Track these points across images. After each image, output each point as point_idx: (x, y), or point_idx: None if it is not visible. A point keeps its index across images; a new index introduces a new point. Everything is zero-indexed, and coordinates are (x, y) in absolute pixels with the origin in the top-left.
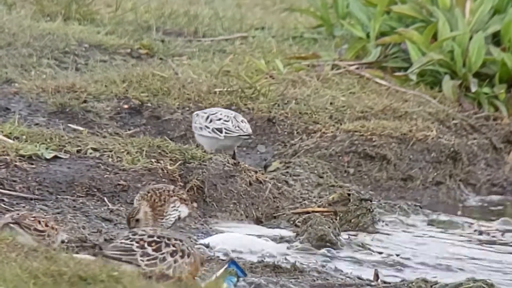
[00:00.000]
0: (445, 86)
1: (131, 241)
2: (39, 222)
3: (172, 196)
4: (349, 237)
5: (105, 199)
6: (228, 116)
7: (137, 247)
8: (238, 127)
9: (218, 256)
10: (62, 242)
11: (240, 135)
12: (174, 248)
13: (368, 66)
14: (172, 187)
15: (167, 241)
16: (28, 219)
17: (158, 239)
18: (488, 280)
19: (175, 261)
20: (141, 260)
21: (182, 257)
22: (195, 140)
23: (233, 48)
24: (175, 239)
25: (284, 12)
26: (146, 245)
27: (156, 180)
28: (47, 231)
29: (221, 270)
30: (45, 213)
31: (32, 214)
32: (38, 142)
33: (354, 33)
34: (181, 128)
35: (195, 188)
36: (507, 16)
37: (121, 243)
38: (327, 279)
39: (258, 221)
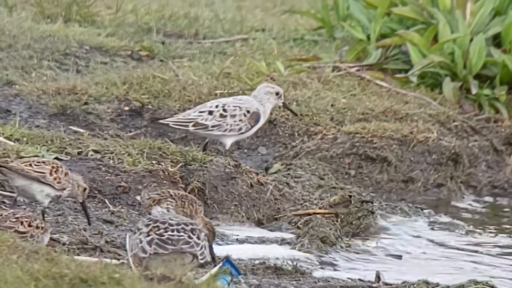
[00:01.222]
0: (446, 88)
1: (178, 231)
2: None
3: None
4: (350, 239)
5: (106, 201)
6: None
7: (188, 237)
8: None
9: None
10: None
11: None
12: (203, 234)
13: (368, 68)
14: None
15: (198, 228)
16: None
17: (193, 226)
18: (489, 282)
19: (209, 247)
20: (197, 249)
21: (208, 242)
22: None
23: (233, 50)
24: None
25: (285, 14)
26: (191, 234)
27: (157, 182)
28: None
29: (216, 269)
30: (45, 215)
31: None
32: (39, 144)
33: (354, 35)
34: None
35: (196, 190)
36: (508, 18)
37: (172, 235)
38: (328, 281)
39: (259, 223)
